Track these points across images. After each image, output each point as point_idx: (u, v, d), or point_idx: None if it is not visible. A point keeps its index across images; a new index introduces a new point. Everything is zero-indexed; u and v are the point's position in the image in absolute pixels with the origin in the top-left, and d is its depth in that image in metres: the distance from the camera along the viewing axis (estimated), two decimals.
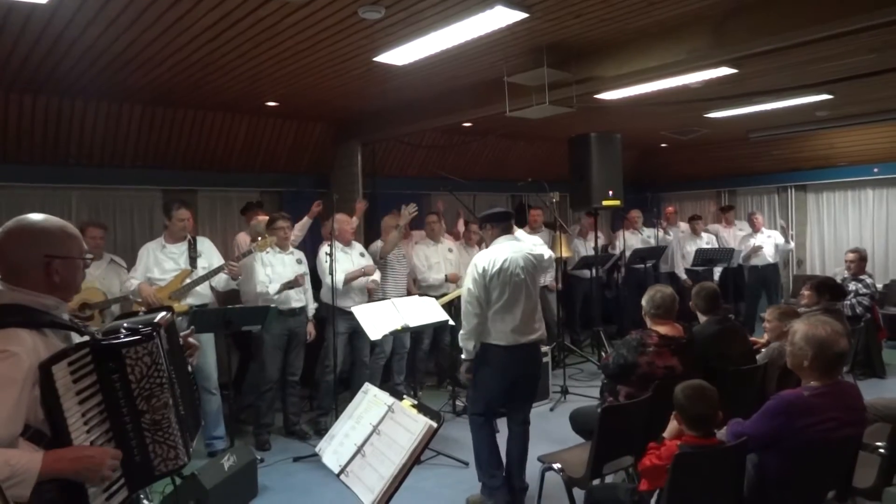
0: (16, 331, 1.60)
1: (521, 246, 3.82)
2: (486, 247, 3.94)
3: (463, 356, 3.80)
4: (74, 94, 5.45)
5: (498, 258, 3.66)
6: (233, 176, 7.18)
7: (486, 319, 3.67)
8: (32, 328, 1.65)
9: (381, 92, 5.76)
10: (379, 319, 4.60)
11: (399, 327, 4.66)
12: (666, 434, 2.66)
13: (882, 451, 2.85)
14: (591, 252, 7.39)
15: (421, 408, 2.20)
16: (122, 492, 1.69)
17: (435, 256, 6.16)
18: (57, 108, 5.59)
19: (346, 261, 5.11)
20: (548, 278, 7.15)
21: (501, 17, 3.76)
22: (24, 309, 1.68)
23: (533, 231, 7.37)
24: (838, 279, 5.57)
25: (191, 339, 2.15)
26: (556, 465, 3.13)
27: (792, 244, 8.47)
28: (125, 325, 1.79)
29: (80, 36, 3.92)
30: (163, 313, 1.91)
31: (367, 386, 2.53)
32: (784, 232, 8.34)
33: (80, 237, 1.85)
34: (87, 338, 1.76)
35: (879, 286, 7.27)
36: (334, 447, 2.41)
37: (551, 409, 5.55)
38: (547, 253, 3.93)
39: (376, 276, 5.32)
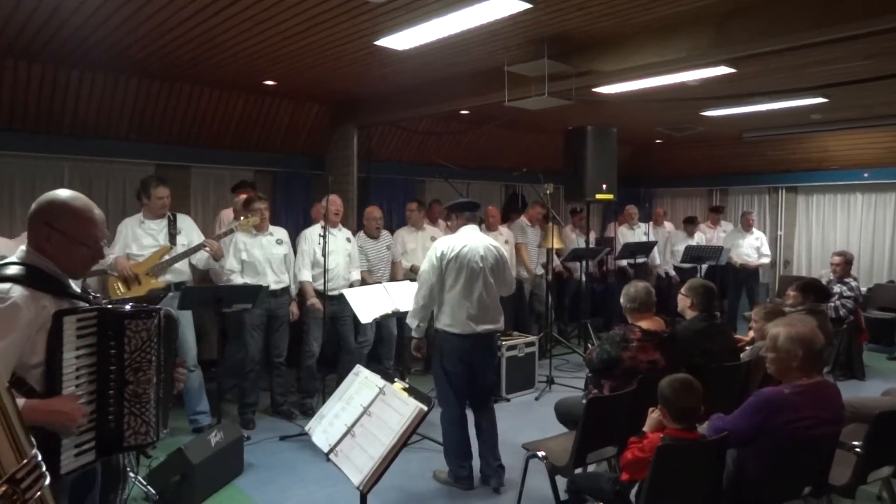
0: (18, 287, 1.76)
1: (484, 237, 3.96)
2: None
3: (413, 334, 3.98)
4: (71, 63, 5.38)
5: (457, 244, 3.79)
6: (227, 153, 7.12)
7: (435, 302, 3.83)
8: (47, 292, 1.81)
9: (380, 76, 5.74)
10: (370, 303, 4.63)
11: (390, 311, 4.69)
12: (646, 427, 2.70)
13: (858, 449, 2.91)
14: (583, 244, 7.44)
15: (412, 391, 2.23)
16: (90, 454, 1.82)
17: (412, 243, 6.28)
18: (52, 77, 5.51)
19: (331, 242, 5.11)
20: (539, 269, 7.21)
21: (505, 7, 3.76)
22: (40, 272, 1.83)
23: (531, 225, 7.41)
24: (824, 281, 5.64)
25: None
26: (541, 453, 3.18)
27: (767, 259, 8.59)
28: (132, 303, 2.00)
29: (81, 5, 3.87)
30: (166, 308, 2.09)
31: (359, 368, 2.56)
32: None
33: (93, 223, 1.97)
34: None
35: (864, 290, 7.37)
36: (324, 427, 2.44)
37: (536, 399, 5.62)
38: (504, 250, 4.08)
39: (355, 275, 5.32)
